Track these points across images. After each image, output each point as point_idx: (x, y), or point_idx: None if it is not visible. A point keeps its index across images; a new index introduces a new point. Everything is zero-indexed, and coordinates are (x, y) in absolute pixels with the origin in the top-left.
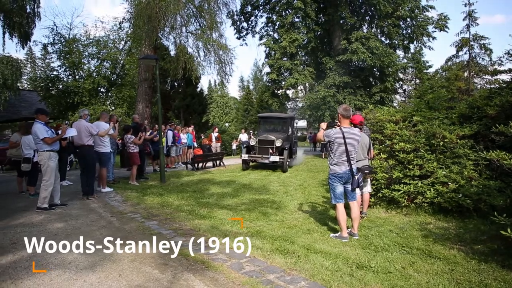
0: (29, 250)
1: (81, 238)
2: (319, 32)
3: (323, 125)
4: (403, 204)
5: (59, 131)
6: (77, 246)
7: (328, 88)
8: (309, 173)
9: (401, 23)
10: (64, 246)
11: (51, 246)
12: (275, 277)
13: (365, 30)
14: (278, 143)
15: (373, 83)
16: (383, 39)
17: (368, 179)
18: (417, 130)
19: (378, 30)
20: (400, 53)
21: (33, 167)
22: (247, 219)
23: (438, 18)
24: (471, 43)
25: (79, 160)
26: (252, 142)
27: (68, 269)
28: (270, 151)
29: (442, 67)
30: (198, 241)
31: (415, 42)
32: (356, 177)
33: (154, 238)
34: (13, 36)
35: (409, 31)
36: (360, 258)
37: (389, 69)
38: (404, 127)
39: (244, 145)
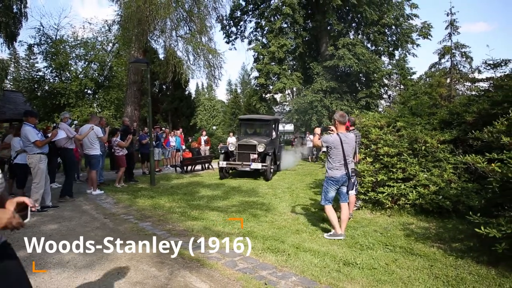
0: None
1: (80, 238)
2: (307, 38)
3: (318, 130)
4: (387, 206)
5: (48, 134)
6: (77, 246)
7: (316, 93)
8: (297, 176)
9: (386, 30)
10: (64, 246)
11: (51, 246)
12: (267, 273)
13: (351, 37)
14: (260, 149)
15: (359, 88)
16: (369, 45)
17: (356, 181)
18: (401, 135)
19: (364, 37)
20: (385, 59)
21: (22, 170)
22: (238, 221)
23: (421, 26)
24: (453, 51)
25: (62, 162)
26: (231, 148)
27: (67, 268)
28: (252, 157)
29: (426, 73)
30: (192, 241)
31: (399, 49)
32: (352, 180)
33: (154, 238)
34: None
35: (394, 38)
36: (346, 256)
37: (375, 75)
38: (388, 132)
39: (222, 151)
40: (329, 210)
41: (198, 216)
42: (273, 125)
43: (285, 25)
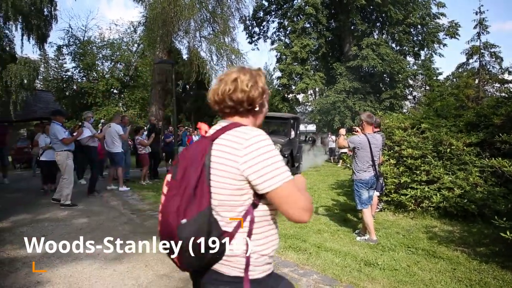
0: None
1: (106, 232)
2: (330, 38)
3: (342, 131)
4: (410, 208)
5: (75, 133)
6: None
7: (338, 93)
8: (319, 176)
9: (411, 30)
10: (92, 238)
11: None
12: (289, 270)
13: (375, 37)
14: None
15: (383, 89)
16: (393, 45)
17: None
18: (425, 137)
19: (389, 37)
20: (410, 59)
21: (48, 166)
22: None
23: (449, 25)
24: (482, 51)
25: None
26: None
27: (97, 259)
28: None
29: (453, 74)
30: None
31: (425, 49)
32: (380, 181)
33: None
34: (31, 38)
35: (419, 38)
36: (368, 257)
37: (399, 75)
38: (412, 134)
39: None
40: (366, 214)
41: None
42: (292, 124)
43: (308, 25)
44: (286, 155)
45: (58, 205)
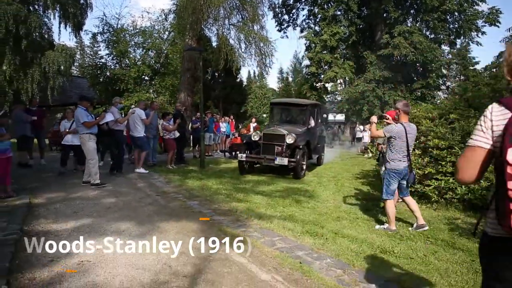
0: (89, 220)
1: (131, 212)
2: (361, 26)
3: (374, 118)
4: (433, 199)
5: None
6: (129, 218)
7: (368, 82)
8: (344, 166)
9: (448, 17)
10: (119, 217)
11: (105, 215)
12: (303, 254)
13: (409, 24)
14: (289, 140)
15: (414, 78)
16: (427, 33)
17: None
18: (453, 127)
19: (423, 24)
20: (445, 48)
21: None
22: (280, 205)
23: (489, 12)
24: None
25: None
26: (255, 137)
27: (122, 236)
28: (277, 149)
29: (493, 63)
30: (235, 220)
31: (462, 37)
32: (413, 172)
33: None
34: (67, 26)
35: (456, 26)
36: (384, 244)
37: (432, 64)
38: (439, 124)
39: (244, 141)
40: (390, 205)
41: (242, 199)
42: (313, 112)
43: (339, 13)
44: (300, 146)
45: (89, 186)
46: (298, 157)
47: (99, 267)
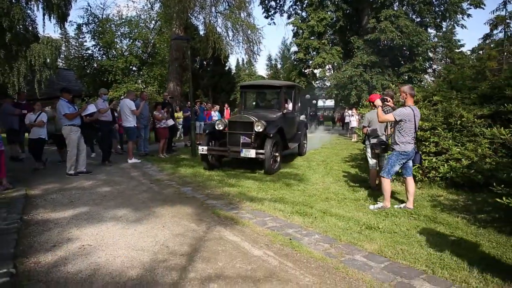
0: (86, 208)
1: (126, 199)
2: (347, 11)
3: (379, 102)
4: (418, 179)
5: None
6: (125, 205)
7: (355, 67)
8: (333, 150)
9: (433, 0)
10: (115, 204)
11: (101, 203)
12: (293, 231)
13: (395, 8)
14: (258, 128)
15: (402, 62)
16: (414, 17)
17: (384, 154)
18: (436, 109)
19: (409, 8)
20: (431, 31)
21: (37, 143)
22: (271, 188)
23: None
24: (507, 21)
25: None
26: (219, 126)
27: (120, 221)
28: (244, 140)
29: (479, 45)
30: (227, 203)
31: (447, 20)
32: (419, 153)
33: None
34: (52, 17)
35: (441, 9)
36: (370, 221)
37: (419, 48)
38: (423, 106)
39: (207, 131)
40: (388, 184)
41: (234, 184)
42: (289, 94)
43: None
44: (271, 135)
45: (83, 176)
46: (268, 148)
47: (100, 250)
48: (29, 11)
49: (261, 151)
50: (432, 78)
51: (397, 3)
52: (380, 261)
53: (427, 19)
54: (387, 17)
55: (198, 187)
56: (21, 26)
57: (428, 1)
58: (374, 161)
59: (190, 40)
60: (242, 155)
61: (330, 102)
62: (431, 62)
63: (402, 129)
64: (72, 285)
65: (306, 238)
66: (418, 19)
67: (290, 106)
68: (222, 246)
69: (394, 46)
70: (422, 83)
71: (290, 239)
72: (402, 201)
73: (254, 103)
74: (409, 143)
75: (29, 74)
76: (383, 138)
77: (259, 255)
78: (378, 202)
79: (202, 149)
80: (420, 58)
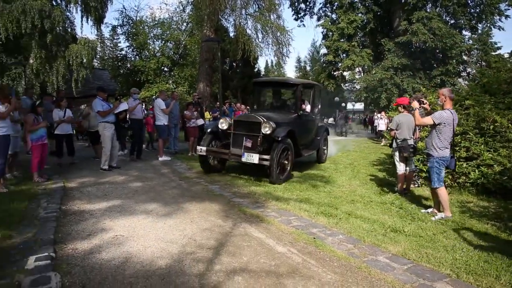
0: (119, 201)
1: (157, 194)
2: (378, 13)
3: (416, 104)
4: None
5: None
6: (155, 200)
7: (386, 70)
8: (361, 153)
9: (469, 1)
10: (146, 199)
11: (133, 197)
12: (317, 231)
13: (428, 10)
14: (265, 129)
15: (434, 65)
16: (448, 19)
17: (412, 158)
18: (467, 113)
19: (443, 10)
20: (466, 34)
21: (70, 138)
22: (297, 189)
23: None
24: None
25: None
26: (223, 126)
27: (150, 215)
28: (246, 143)
29: None
30: (254, 201)
31: (483, 21)
32: (454, 158)
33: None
34: (89, 19)
35: (477, 10)
36: (396, 224)
37: (452, 51)
38: (454, 110)
39: (209, 130)
40: (444, 192)
41: (261, 183)
42: (306, 94)
43: (356, 0)
44: (279, 138)
45: (117, 171)
46: (274, 153)
47: (132, 240)
48: (68, 14)
49: (265, 156)
50: (466, 82)
51: (430, 4)
52: (403, 263)
53: (462, 21)
54: (419, 19)
55: (225, 185)
56: (61, 28)
57: (463, 3)
58: (402, 164)
59: (220, 42)
60: (243, 159)
61: (359, 105)
62: (466, 65)
63: (440, 133)
64: (105, 271)
65: (330, 237)
66: (452, 21)
67: (307, 107)
68: (247, 242)
69: (426, 48)
70: (456, 86)
71: (314, 238)
72: (431, 206)
73: (267, 101)
74: (446, 148)
75: (67, 73)
76: (411, 141)
77: (283, 251)
78: (437, 213)
79: (200, 150)
80: (454, 61)
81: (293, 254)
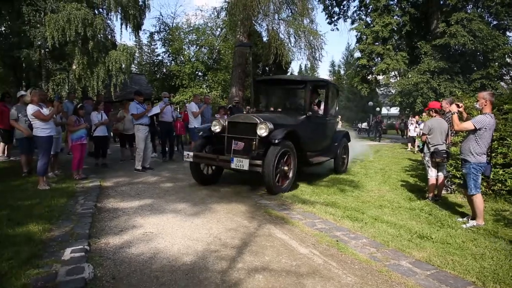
0: (150, 200)
1: (187, 195)
2: (415, 15)
3: (454, 107)
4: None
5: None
6: (185, 200)
7: (422, 74)
8: (393, 158)
9: None
10: (176, 199)
11: (164, 197)
12: (341, 234)
13: (469, 11)
14: (261, 131)
15: (474, 68)
16: (490, 20)
17: (444, 164)
18: (506, 118)
19: (485, 10)
20: (510, 35)
21: (105, 140)
22: (325, 193)
23: None
24: None
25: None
26: (216, 128)
27: (179, 214)
28: (235, 146)
29: None
30: (280, 204)
31: None
32: (490, 164)
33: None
34: (128, 27)
35: None
36: (423, 230)
37: (494, 53)
38: None
39: (201, 133)
40: (480, 199)
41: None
42: (319, 94)
43: (392, 2)
44: (276, 141)
45: (150, 172)
46: (269, 158)
47: (160, 237)
48: (109, 22)
49: (257, 162)
50: (509, 85)
51: (470, 5)
52: (427, 268)
53: (506, 22)
54: (458, 20)
55: (253, 187)
56: (102, 35)
57: (508, 2)
58: (434, 170)
59: (252, 46)
60: (232, 165)
61: (395, 110)
62: (509, 68)
63: (480, 138)
64: (134, 265)
65: (353, 241)
66: (495, 22)
67: (320, 109)
68: (270, 242)
69: (465, 51)
70: (498, 90)
71: (337, 241)
72: (463, 213)
73: (273, 102)
74: (484, 153)
75: (106, 78)
76: (444, 146)
77: (305, 253)
78: (469, 221)
79: (187, 155)
80: (496, 63)
81: (315, 256)
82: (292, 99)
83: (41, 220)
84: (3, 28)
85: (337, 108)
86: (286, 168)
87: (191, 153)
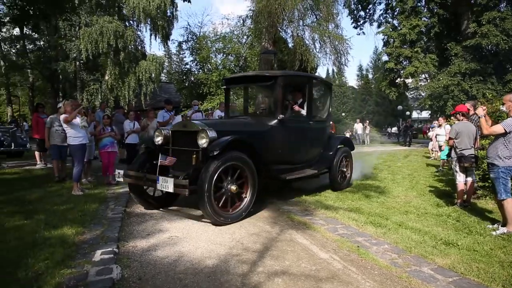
0: (176, 206)
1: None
2: (444, 16)
3: (481, 111)
4: None
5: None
6: None
7: (452, 76)
8: (422, 163)
9: None
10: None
11: (189, 204)
12: (362, 240)
13: (501, 10)
14: (202, 141)
15: (509, 69)
16: None
17: (473, 169)
18: None
19: None
20: None
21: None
22: (349, 199)
23: None
24: None
25: None
26: (158, 139)
27: (204, 219)
28: (162, 161)
29: None
30: (303, 209)
31: None
32: None
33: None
34: (157, 37)
35: None
36: (449, 237)
37: None
38: None
39: (143, 145)
40: (511, 204)
41: (313, 192)
42: (297, 91)
43: (419, 4)
44: (214, 153)
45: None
46: (205, 175)
47: (185, 241)
48: (139, 33)
49: (183, 182)
50: None
51: (504, 3)
52: (449, 275)
53: None
54: (490, 20)
55: (277, 193)
56: (132, 46)
57: None
58: (462, 175)
59: (276, 53)
60: (158, 186)
61: (426, 114)
62: None
63: (509, 142)
64: (159, 267)
65: (374, 247)
66: None
67: (302, 109)
68: (291, 247)
69: (499, 51)
70: None
71: (358, 246)
72: (494, 220)
73: (244, 105)
74: None
75: (137, 88)
76: (472, 151)
77: (325, 258)
78: (500, 227)
79: (118, 174)
80: None
81: (335, 261)
82: (262, 100)
83: (74, 223)
84: (41, 43)
85: (330, 109)
86: (234, 188)
87: (121, 172)
